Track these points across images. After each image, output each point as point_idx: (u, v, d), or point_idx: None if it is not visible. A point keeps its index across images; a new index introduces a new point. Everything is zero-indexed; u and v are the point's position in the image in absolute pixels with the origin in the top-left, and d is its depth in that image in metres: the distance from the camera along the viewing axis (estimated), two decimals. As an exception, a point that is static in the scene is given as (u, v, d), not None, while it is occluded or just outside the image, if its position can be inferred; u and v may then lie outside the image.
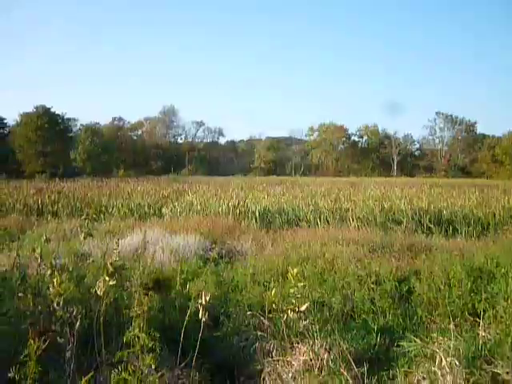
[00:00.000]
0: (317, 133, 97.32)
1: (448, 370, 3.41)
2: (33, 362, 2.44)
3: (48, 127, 63.89)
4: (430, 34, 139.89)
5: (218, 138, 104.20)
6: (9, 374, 2.48)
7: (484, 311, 4.85)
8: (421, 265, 6.79)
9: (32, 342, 2.47)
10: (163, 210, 16.17)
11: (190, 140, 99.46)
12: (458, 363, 3.45)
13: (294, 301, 3.98)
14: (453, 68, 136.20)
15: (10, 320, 4.27)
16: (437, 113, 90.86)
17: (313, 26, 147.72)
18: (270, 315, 4.73)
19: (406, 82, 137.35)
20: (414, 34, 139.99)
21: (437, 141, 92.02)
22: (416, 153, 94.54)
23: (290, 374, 3.74)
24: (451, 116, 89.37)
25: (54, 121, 66.15)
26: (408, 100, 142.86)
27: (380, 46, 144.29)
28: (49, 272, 4.13)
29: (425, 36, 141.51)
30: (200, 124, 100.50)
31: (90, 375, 2.52)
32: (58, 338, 3.42)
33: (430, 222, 12.94)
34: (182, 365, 3.66)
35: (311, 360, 3.78)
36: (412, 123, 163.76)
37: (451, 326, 4.11)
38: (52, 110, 66.54)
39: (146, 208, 16.90)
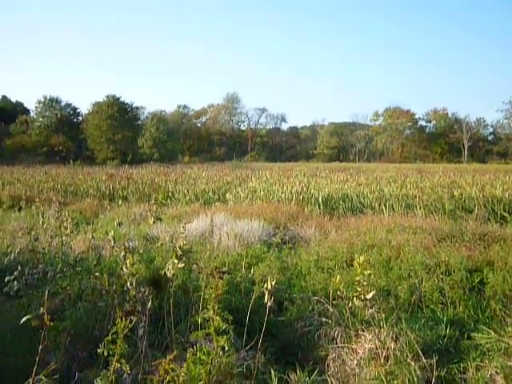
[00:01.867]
0: (382, 118, 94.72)
1: (524, 365, 3.25)
2: (119, 340, 2.59)
3: (118, 116, 66.63)
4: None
5: (280, 124, 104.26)
6: (98, 350, 2.65)
7: None
8: (494, 255, 6.44)
9: (119, 320, 2.63)
10: (227, 195, 16.43)
11: (253, 126, 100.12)
12: (535, 359, 3.28)
13: (359, 288, 3.93)
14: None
15: (87, 298, 4.56)
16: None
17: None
18: (335, 302, 4.70)
19: (480, 64, 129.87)
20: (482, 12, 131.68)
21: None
22: (489, 138, 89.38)
23: (355, 362, 3.70)
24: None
25: (123, 109, 68.77)
26: (482, 83, 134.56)
27: (448, 27, 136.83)
28: (122, 254, 4.35)
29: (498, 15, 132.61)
30: (263, 110, 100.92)
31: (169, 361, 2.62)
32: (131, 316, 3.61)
33: (504, 210, 12.23)
34: (248, 347, 3.74)
35: (377, 348, 3.72)
36: (486, 107, 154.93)
37: (529, 321, 3.89)
38: (121, 99, 69.33)
39: (211, 193, 17.25)
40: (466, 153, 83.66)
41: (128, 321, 2.59)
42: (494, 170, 34.80)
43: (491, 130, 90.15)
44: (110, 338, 2.58)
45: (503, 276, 5.50)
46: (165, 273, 4.00)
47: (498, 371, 3.41)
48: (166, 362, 2.36)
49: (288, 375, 3.42)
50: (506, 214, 11.84)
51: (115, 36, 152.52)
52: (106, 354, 2.60)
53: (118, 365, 2.57)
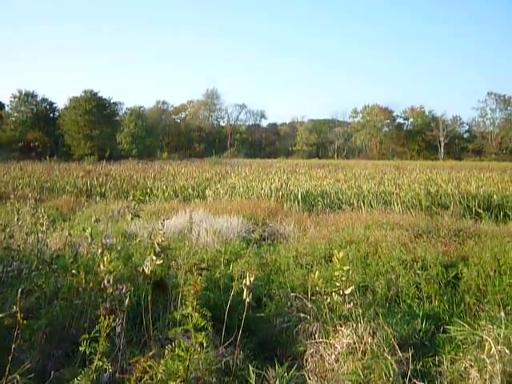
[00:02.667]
0: (360, 115, 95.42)
1: (497, 358, 3.31)
2: (102, 338, 2.56)
3: (95, 111, 65.70)
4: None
5: (260, 121, 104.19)
6: (80, 348, 2.62)
7: (537, 300, 4.69)
8: (469, 251, 6.58)
9: (103, 319, 2.60)
10: (206, 191, 16.38)
11: (233, 123, 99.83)
12: (508, 351, 3.35)
13: (338, 284, 3.96)
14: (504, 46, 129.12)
15: (63, 296, 4.48)
16: (488, 93, 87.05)
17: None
18: (313, 298, 4.73)
19: (456, 63, 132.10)
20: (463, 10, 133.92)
21: (488, 123, 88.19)
22: (465, 135, 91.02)
23: (333, 357, 3.74)
24: (504, 96, 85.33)
25: (101, 105, 67.88)
26: (457, 81, 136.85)
27: (423, 24, 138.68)
28: (99, 251, 4.30)
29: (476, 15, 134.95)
30: (242, 107, 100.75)
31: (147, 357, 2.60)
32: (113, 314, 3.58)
33: (478, 207, 12.48)
34: (227, 343, 3.74)
35: (355, 343, 3.76)
36: (461, 105, 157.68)
37: (501, 314, 3.97)
38: (99, 94, 68.34)
39: (190, 190, 17.17)
40: (442, 150, 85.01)
41: (111, 319, 2.56)
42: (469, 166, 35.52)
43: (467, 127, 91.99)
44: (91, 335, 2.55)
45: (477, 271, 5.63)
46: (143, 270, 3.97)
47: (472, 364, 3.48)
48: (143, 360, 2.35)
49: (266, 371, 3.43)
50: (481, 210, 12.08)
51: (92, 30, 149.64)
52: (87, 352, 2.57)
53: (100, 363, 2.54)
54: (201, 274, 2.98)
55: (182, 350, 2.68)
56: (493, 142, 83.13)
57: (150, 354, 2.67)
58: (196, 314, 2.82)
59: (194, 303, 2.84)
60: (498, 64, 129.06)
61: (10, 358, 2.37)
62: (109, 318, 2.58)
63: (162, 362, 2.55)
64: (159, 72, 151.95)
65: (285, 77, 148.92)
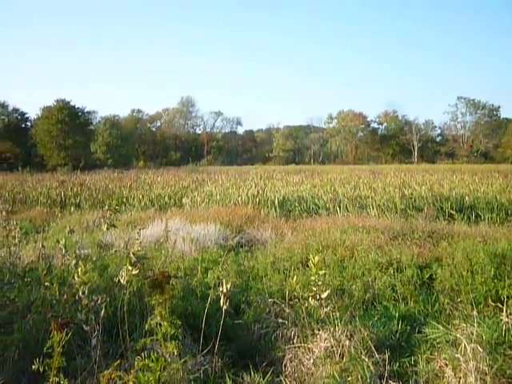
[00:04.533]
0: (335, 120, 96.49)
1: (471, 356, 3.39)
2: (56, 354, 2.49)
3: (68, 120, 64.72)
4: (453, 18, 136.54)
5: (236, 128, 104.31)
6: (33, 366, 2.54)
7: (508, 297, 4.80)
8: (443, 252, 6.72)
9: (55, 333, 2.52)
10: (183, 200, 16.29)
11: (209, 130, 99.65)
12: (481, 349, 3.42)
13: (314, 288, 4.00)
14: (477, 52, 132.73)
15: (37, 309, 4.39)
16: (458, 97, 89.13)
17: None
18: (291, 303, 4.76)
19: (426, 67, 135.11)
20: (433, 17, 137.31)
21: (459, 126, 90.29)
22: (437, 139, 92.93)
23: (312, 361, 3.76)
24: (473, 100, 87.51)
25: (75, 114, 66.96)
26: (429, 86, 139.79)
27: (395, 29, 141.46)
28: (73, 262, 4.23)
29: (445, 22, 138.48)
30: (218, 114, 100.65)
31: (116, 363, 2.57)
32: (83, 325, 3.52)
33: (451, 208, 12.74)
34: (205, 352, 3.72)
35: (332, 347, 3.79)
36: (433, 109, 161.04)
37: (474, 313, 4.07)
38: (72, 103, 67.39)
39: (167, 198, 17.05)
40: (416, 154, 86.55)
41: (64, 333, 2.48)
42: (442, 169, 36.24)
43: (439, 131, 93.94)
44: (45, 351, 2.47)
45: (450, 271, 5.74)
46: (119, 280, 3.92)
47: (447, 363, 3.55)
48: (110, 371, 2.31)
49: (242, 377, 3.42)
50: (453, 212, 12.35)
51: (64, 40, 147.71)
52: (41, 369, 2.50)
53: (57, 379, 2.47)
54: (168, 282, 2.93)
55: (153, 360, 2.64)
56: (464, 145, 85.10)
57: (116, 364, 2.60)
58: (165, 323, 2.78)
59: (163, 312, 2.80)
60: (468, 68, 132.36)
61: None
62: (61, 332, 2.51)
63: (131, 374, 2.50)
64: (134, 81, 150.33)
65: (260, 84, 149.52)
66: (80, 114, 68.87)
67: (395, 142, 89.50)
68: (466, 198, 13.59)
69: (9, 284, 4.90)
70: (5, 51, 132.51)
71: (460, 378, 3.36)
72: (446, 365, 3.55)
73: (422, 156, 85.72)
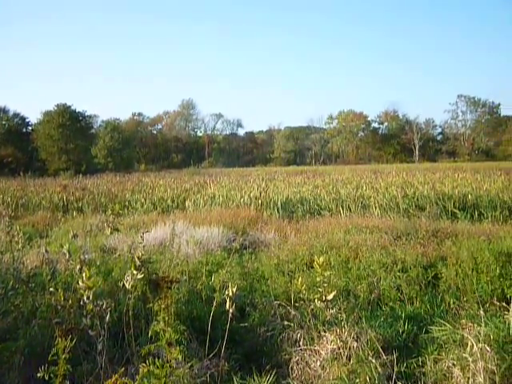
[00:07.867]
0: (336, 121, 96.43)
1: (479, 355, 3.36)
2: (61, 361, 2.46)
3: (69, 124, 64.72)
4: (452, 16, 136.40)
5: (236, 130, 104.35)
6: (38, 374, 2.51)
7: (514, 296, 4.78)
8: (447, 251, 6.68)
9: (60, 340, 2.49)
10: (186, 202, 16.29)
11: (209, 132, 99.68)
12: (489, 349, 3.39)
13: (320, 289, 3.97)
14: (476, 50, 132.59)
15: (41, 315, 4.37)
16: (459, 96, 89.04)
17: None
18: (297, 304, 4.73)
19: (426, 66, 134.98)
20: (434, 15, 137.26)
21: (459, 124, 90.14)
22: (438, 137, 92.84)
23: (318, 363, 3.74)
24: (474, 98, 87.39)
25: (75, 118, 66.95)
26: (429, 85, 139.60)
27: (395, 28, 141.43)
28: (78, 267, 4.21)
29: (444, 20, 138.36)
30: (219, 116, 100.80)
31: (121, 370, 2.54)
32: (89, 331, 3.50)
33: (454, 207, 12.71)
34: (211, 355, 3.70)
35: (339, 348, 3.77)
36: (434, 108, 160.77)
37: (481, 312, 4.04)
38: (73, 107, 67.44)
39: (169, 201, 17.05)
40: (417, 153, 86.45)
41: (69, 339, 2.45)
42: (443, 168, 36.15)
43: (440, 130, 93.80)
44: (50, 359, 2.44)
45: (455, 270, 5.72)
46: (123, 284, 3.91)
47: (455, 363, 3.51)
48: (115, 378, 2.28)
49: (249, 381, 3.39)
50: (457, 211, 12.31)
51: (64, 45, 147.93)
52: (46, 377, 2.47)
53: None
54: (170, 288, 2.91)
55: (158, 367, 2.60)
56: (465, 144, 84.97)
57: (121, 371, 2.57)
58: (169, 329, 2.75)
59: (166, 317, 2.77)
60: (468, 66, 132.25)
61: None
62: (66, 339, 2.48)
63: (137, 380, 2.47)
64: (134, 84, 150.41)
65: (260, 84, 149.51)
66: (81, 117, 68.84)
67: (396, 141, 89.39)
68: (469, 196, 13.55)
69: (13, 290, 4.89)
70: (5, 50, 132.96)
71: (468, 378, 3.33)
72: (454, 365, 3.51)
73: (423, 155, 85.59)
